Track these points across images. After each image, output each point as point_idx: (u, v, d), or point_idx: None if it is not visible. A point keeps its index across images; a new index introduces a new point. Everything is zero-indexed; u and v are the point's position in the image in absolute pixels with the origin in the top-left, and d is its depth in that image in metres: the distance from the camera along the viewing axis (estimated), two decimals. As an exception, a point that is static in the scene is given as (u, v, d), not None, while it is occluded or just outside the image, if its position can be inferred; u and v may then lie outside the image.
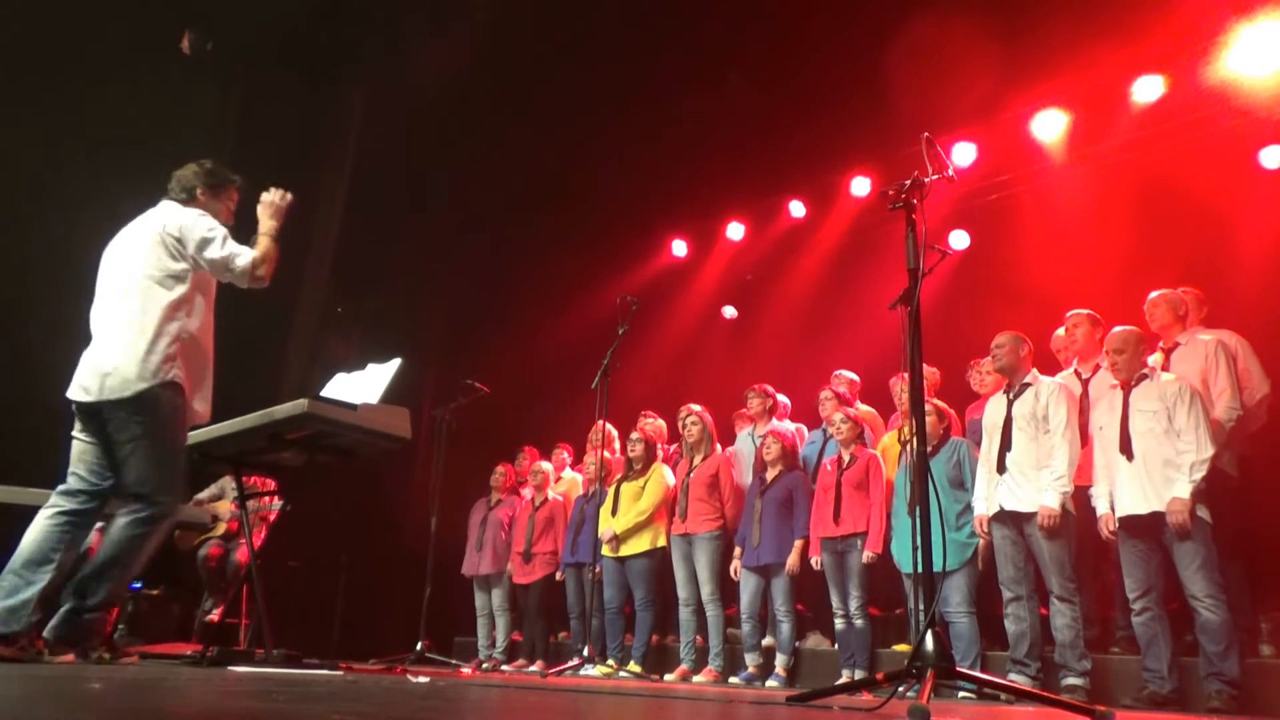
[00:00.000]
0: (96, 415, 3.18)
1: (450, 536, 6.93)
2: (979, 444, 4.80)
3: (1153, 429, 4.06)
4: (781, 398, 6.18)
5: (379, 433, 3.73)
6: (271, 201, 3.46)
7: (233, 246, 3.26)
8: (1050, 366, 4.91)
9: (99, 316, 3.32)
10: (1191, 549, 3.88)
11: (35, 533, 3.15)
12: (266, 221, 3.44)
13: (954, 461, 4.73)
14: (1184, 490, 3.89)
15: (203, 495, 6.50)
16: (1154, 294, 4.67)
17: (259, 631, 3.68)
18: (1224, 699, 3.78)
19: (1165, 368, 4.44)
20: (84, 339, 3.41)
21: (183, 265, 3.26)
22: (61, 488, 3.25)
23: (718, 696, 3.57)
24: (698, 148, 7.32)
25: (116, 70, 6.92)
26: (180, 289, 3.24)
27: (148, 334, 3.15)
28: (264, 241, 3.38)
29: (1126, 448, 4.13)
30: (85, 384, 3.19)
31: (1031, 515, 4.24)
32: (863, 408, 5.89)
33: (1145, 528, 4.04)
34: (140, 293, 3.19)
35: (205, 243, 3.22)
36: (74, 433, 3.30)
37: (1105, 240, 5.83)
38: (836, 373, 6.03)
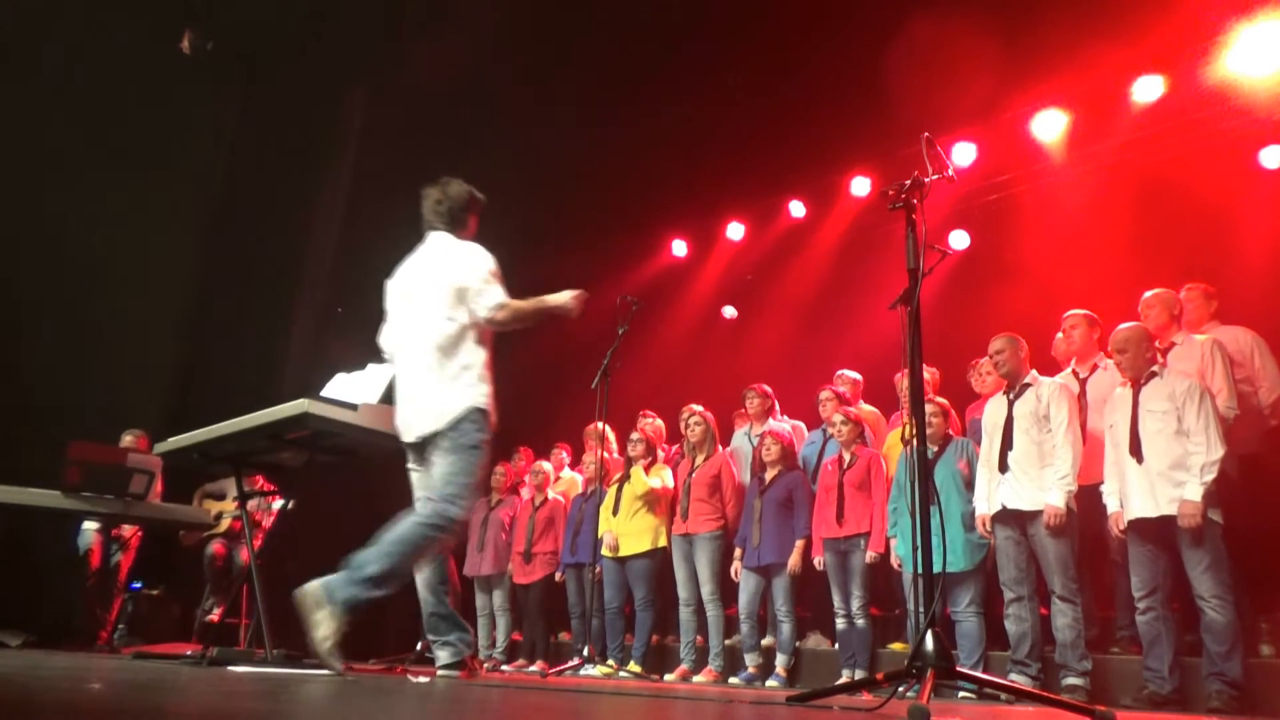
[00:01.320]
0: (421, 447, 3.46)
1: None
2: (980, 444, 4.80)
3: (1162, 430, 4.02)
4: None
5: (379, 433, 3.72)
6: (571, 301, 3.61)
7: (493, 285, 3.45)
8: (1050, 368, 4.91)
9: (404, 355, 3.55)
10: (1201, 550, 3.86)
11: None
12: (551, 301, 3.60)
13: (964, 460, 4.73)
14: (1195, 493, 3.86)
15: (209, 487, 6.51)
16: (1148, 294, 4.66)
17: (259, 631, 3.68)
18: (1224, 699, 3.77)
19: (1162, 367, 4.43)
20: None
21: (463, 293, 3.47)
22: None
23: (718, 696, 3.57)
24: (698, 148, 7.31)
25: (116, 70, 6.92)
26: (465, 321, 3.46)
27: (451, 370, 3.41)
28: (530, 304, 3.55)
29: (1136, 450, 4.09)
30: (409, 423, 3.46)
31: (1034, 514, 4.24)
32: (865, 408, 5.89)
33: (1154, 531, 4.02)
34: (439, 333, 3.43)
35: (474, 281, 3.45)
36: (408, 465, 3.56)
37: (1105, 240, 5.83)
38: (839, 373, 6.03)
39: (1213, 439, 3.91)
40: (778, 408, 6.16)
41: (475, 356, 3.46)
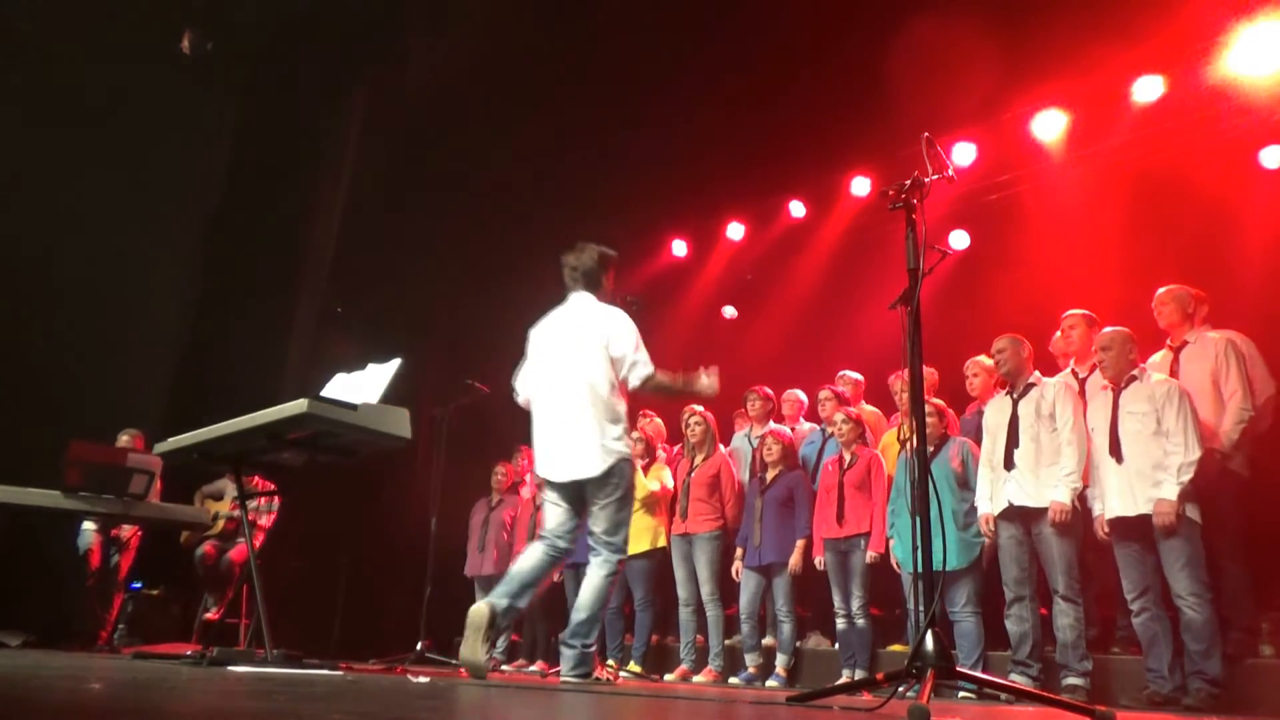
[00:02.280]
0: (568, 488, 3.88)
1: (450, 536, 6.92)
2: (977, 443, 4.80)
3: (1141, 431, 4.07)
4: (802, 396, 6.18)
5: (379, 433, 3.73)
6: (710, 387, 3.96)
7: (642, 355, 3.88)
8: (1049, 368, 4.91)
9: (551, 403, 3.93)
10: (1177, 548, 3.89)
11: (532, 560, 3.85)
12: (694, 386, 3.96)
13: (960, 460, 4.72)
14: (1171, 492, 3.90)
15: (206, 489, 6.50)
16: (1162, 290, 4.64)
17: (259, 631, 3.68)
18: (1203, 697, 3.78)
19: (1174, 366, 4.43)
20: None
21: (612, 358, 3.89)
22: (544, 542, 3.89)
23: (718, 696, 3.57)
24: (698, 148, 7.30)
25: (116, 71, 6.92)
26: (614, 379, 3.88)
27: (605, 420, 3.81)
28: (674, 379, 3.95)
29: (1115, 450, 4.14)
30: (561, 467, 3.86)
31: (1040, 512, 4.24)
32: (867, 408, 5.90)
33: (1135, 529, 4.04)
34: (594, 390, 3.84)
35: (628, 348, 3.87)
36: (547, 500, 3.97)
37: (1105, 240, 5.83)
38: (841, 373, 6.04)
39: (1191, 440, 3.95)
40: (805, 403, 6.18)
41: (622, 411, 3.88)
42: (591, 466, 3.78)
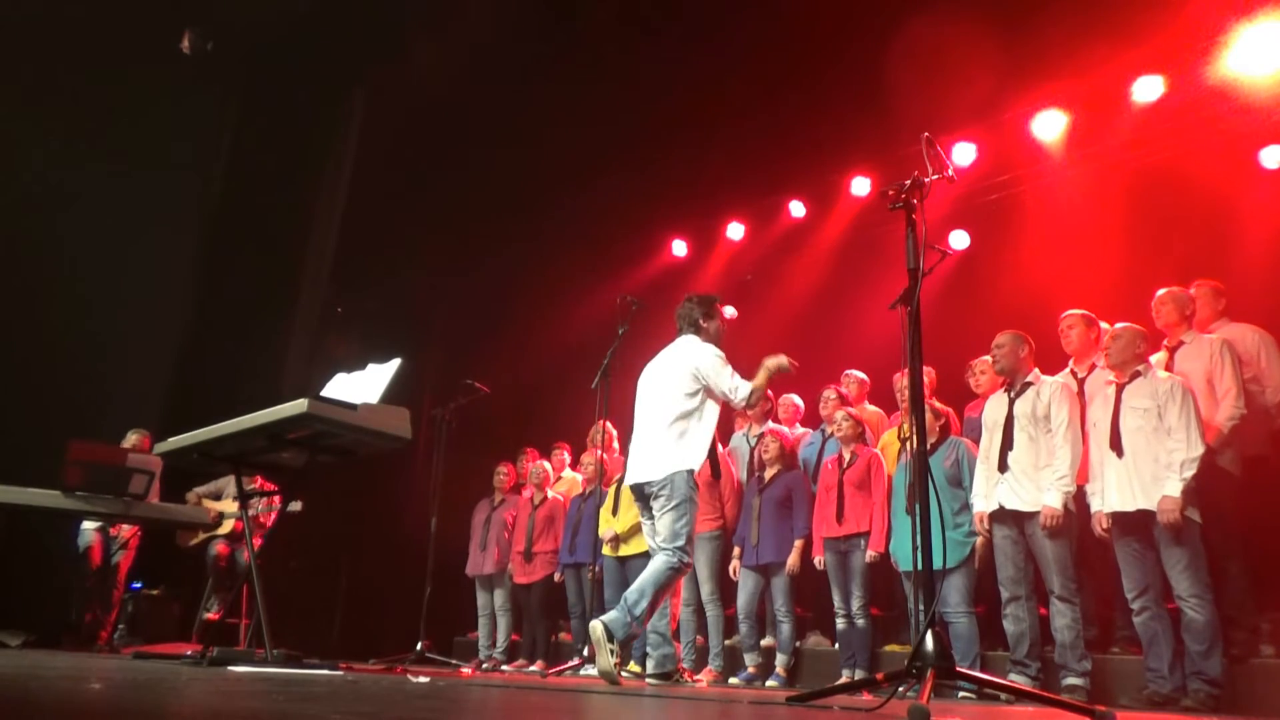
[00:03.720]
0: (640, 491, 4.29)
1: (450, 536, 6.93)
2: (976, 443, 4.80)
3: (1142, 426, 4.07)
4: (797, 400, 6.19)
5: (379, 433, 3.73)
6: (779, 365, 4.31)
7: (736, 381, 4.26)
8: (1050, 367, 4.90)
9: (646, 425, 4.38)
10: (1178, 549, 3.89)
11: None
12: (764, 375, 4.31)
13: (952, 460, 4.72)
14: (1175, 489, 3.89)
15: (201, 489, 6.49)
16: (1161, 291, 4.65)
17: (259, 631, 3.68)
18: (1202, 697, 3.78)
19: (1170, 366, 4.43)
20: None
21: (701, 387, 4.28)
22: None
23: (718, 696, 3.57)
24: (698, 148, 7.31)
25: (116, 70, 6.92)
26: (696, 402, 4.26)
27: (676, 438, 4.20)
28: (761, 381, 4.30)
29: (1116, 444, 4.14)
30: (634, 471, 4.31)
31: (1032, 515, 4.24)
32: (869, 408, 5.90)
33: (1135, 525, 4.05)
34: (673, 412, 4.25)
35: (719, 378, 4.27)
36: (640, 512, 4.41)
37: (1105, 240, 5.83)
38: (846, 372, 6.04)
39: (1193, 437, 3.95)
40: (800, 407, 6.18)
41: (697, 432, 4.23)
42: (651, 472, 4.19)
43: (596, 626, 3.88)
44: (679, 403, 4.24)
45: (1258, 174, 5.62)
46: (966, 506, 4.61)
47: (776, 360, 4.30)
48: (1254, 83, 5.45)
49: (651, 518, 4.24)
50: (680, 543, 4.06)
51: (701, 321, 4.53)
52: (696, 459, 4.18)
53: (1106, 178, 6.15)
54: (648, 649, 4.41)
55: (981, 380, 5.17)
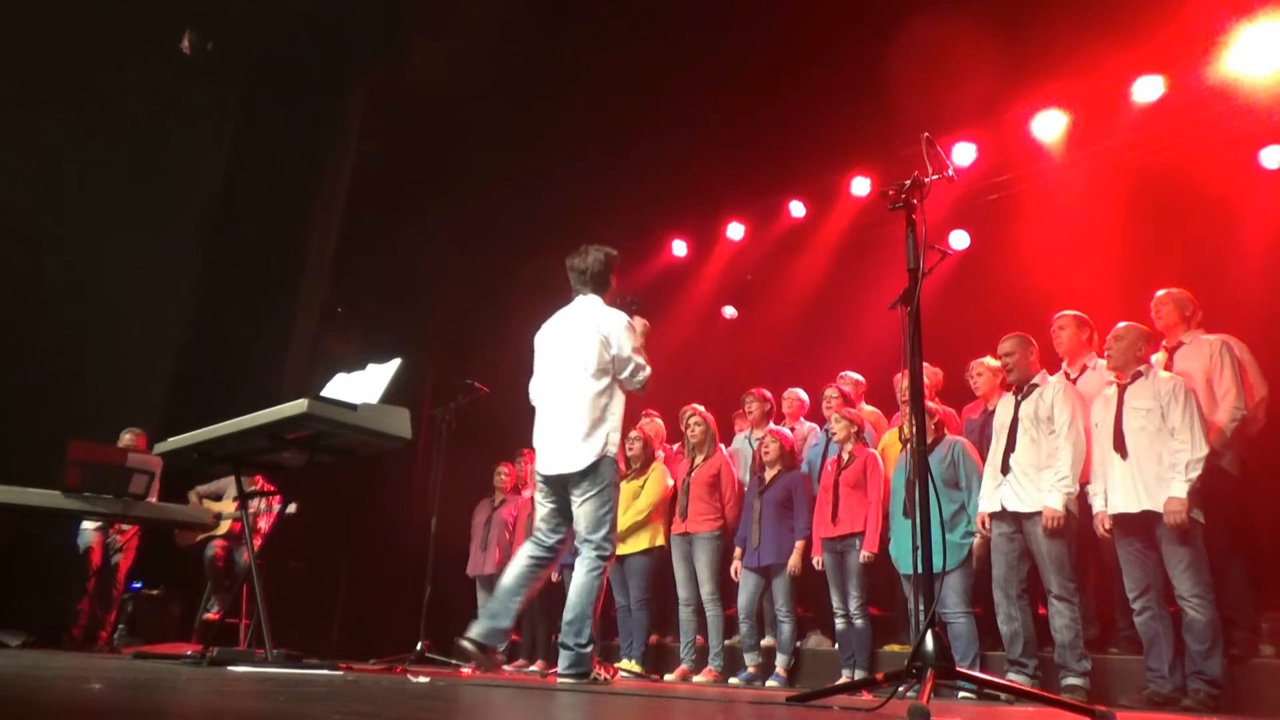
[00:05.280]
0: (553, 482, 3.98)
1: (450, 536, 6.92)
2: (975, 443, 4.80)
3: (1145, 427, 4.06)
4: (803, 395, 6.19)
5: (379, 433, 3.73)
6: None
7: (642, 358, 4.03)
8: (1047, 367, 4.90)
9: (549, 399, 4.06)
10: (1181, 549, 3.89)
11: (515, 570, 3.97)
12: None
13: (948, 461, 4.71)
14: (1180, 490, 3.89)
15: (202, 489, 6.49)
16: (1161, 292, 4.66)
17: (259, 631, 3.68)
18: (1202, 697, 3.78)
19: (1169, 367, 4.43)
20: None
21: (609, 358, 3.98)
22: (530, 540, 4.06)
23: (718, 696, 3.57)
24: (698, 148, 7.31)
25: (116, 70, 6.92)
26: (608, 378, 3.97)
27: (593, 418, 3.91)
28: (647, 363, 4.07)
29: (1120, 445, 4.13)
30: (551, 461, 3.97)
31: (1033, 515, 4.24)
32: (867, 408, 5.90)
33: (1138, 526, 4.04)
34: (589, 390, 3.94)
35: (626, 350, 3.97)
36: (537, 495, 4.11)
37: (1105, 240, 5.83)
38: (842, 373, 6.04)
39: (1197, 437, 3.94)
40: (806, 403, 6.18)
41: (614, 411, 3.96)
42: (574, 461, 3.88)
43: (565, 683, 3.71)
44: (594, 379, 3.94)
45: (1258, 174, 5.62)
46: (963, 508, 4.61)
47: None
48: (1254, 83, 5.45)
49: (556, 504, 3.98)
50: (604, 532, 3.84)
51: (608, 279, 4.18)
52: (617, 441, 3.94)
53: (1106, 178, 6.15)
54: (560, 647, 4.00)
55: (979, 382, 5.16)
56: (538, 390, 4.15)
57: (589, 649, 3.80)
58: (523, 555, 3.98)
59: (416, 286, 8.78)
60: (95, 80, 6.86)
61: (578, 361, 3.97)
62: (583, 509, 3.87)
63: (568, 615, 3.81)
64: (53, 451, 5.00)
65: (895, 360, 4.49)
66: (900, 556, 4.73)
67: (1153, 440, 4.04)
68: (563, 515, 4.00)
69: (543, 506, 4.05)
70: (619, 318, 4.03)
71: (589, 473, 3.86)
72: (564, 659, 3.79)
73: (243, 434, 3.81)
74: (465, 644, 3.81)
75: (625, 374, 3.97)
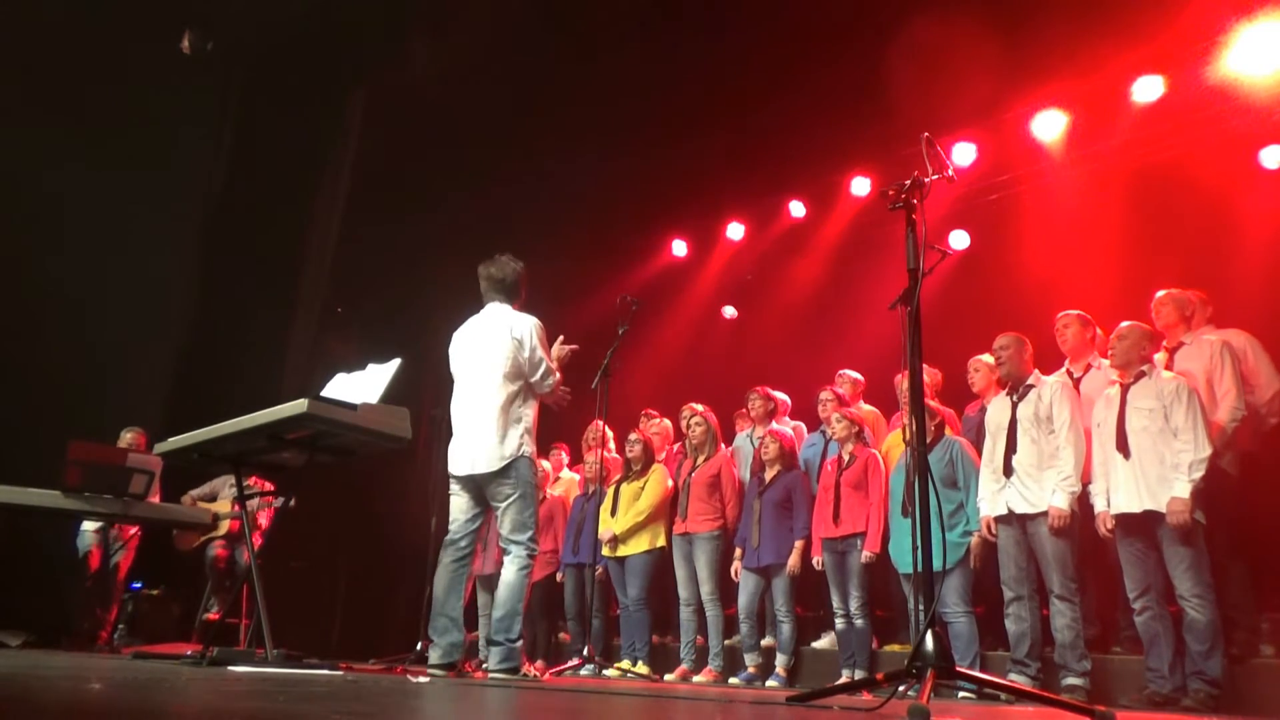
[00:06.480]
0: (472, 482, 4.07)
1: (450, 536, 6.92)
2: (973, 442, 4.80)
3: (1148, 427, 4.06)
4: (781, 395, 6.19)
5: (379, 433, 3.73)
6: (567, 352, 4.35)
7: (552, 363, 4.16)
8: (1048, 367, 4.90)
9: (463, 403, 4.16)
10: (1182, 549, 3.89)
11: (442, 579, 4.06)
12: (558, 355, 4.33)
13: (947, 460, 4.71)
14: (1184, 490, 3.89)
15: (195, 492, 6.48)
16: (1161, 293, 4.67)
17: (259, 631, 3.68)
18: (1202, 698, 3.78)
19: (1169, 367, 4.43)
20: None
21: (523, 359, 4.11)
22: (446, 539, 4.14)
23: (718, 696, 3.57)
24: (698, 148, 7.31)
25: (116, 70, 6.92)
26: (520, 381, 4.10)
27: (506, 420, 4.03)
28: (558, 372, 4.24)
29: (1123, 445, 4.13)
30: (465, 461, 4.07)
31: (1036, 515, 4.24)
32: (865, 408, 5.89)
33: (1140, 526, 4.04)
34: (503, 393, 4.06)
35: (537, 353, 4.12)
36: (451, 496, 4.18)
37: (1105, 240, 5.83)
38: (840, 373, 6.04)
39: (1201, 438, 3.94)
40: (788, 403, 6.18)
41: (527, 414, 4.10)
42: (488, 463, 3.98)
43: (495, 679, 3.83)
44: (508, 382, 4.06)
45: (1258, 174, 5.62)
46: (961, 507, 4.61)
47: (562, 349, 4.34)
48: (1254, 83, 5.45)
49: (467, 503, 4.10)
50: (529, 533, 3.98)
51: (518, 289, 4.33)
52: (532, 442, 4.07)
53: (1106, 178, 6.15)
54: (489, 642, 4.15)
55: (976, 379, 5.15)
56: (455, 396, 4.24)
57: (518, 644, 3.94)
58: (445, 561, 4.07)
59: (416, 286, 8.78)
60: (95, 80, 6.86)
61: (492, 365, 4.08)
62: (507, 514, 3.98)
63: (497, 612, 3.91)
64: (53, 451, 5.00)
65: (895, 360, 4.50)
66: (899, 556, 4.73)
67: (1155, 440, 4.04)
68: (474, 513, 4.11)
69: (455, 506, 4.15)
70: (531, 321, 4.18)
71: (506, 474, 3.97)
72: (495, 655, 3.89)
73: (243, 434, 3.81)
74: (433, 672, 3.88)
75: (536, 376, 4.10)
